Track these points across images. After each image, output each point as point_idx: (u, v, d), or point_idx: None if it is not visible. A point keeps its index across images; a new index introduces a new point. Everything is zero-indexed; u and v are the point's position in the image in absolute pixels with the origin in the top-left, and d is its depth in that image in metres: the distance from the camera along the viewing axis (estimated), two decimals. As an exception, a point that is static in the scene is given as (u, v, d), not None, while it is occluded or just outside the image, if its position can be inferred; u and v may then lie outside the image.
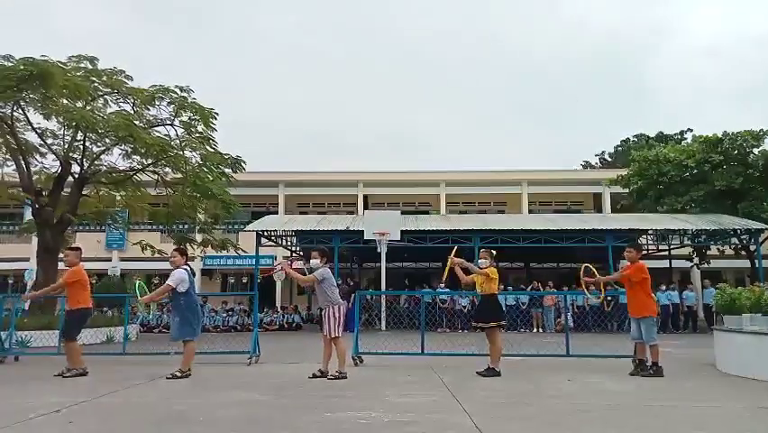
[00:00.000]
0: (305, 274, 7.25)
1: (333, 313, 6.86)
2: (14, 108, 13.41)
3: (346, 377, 6.62)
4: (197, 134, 14.84)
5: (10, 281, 26.90)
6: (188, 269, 7.24)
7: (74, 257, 7.55)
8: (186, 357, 6.97)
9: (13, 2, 70.76)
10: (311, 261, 7.11)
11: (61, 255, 14.48)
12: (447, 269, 7.44)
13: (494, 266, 7.38)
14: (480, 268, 7.34)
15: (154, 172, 15.30)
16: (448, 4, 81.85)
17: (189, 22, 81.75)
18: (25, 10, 73.83)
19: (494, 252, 7.54)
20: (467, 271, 7.42)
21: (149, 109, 14.59)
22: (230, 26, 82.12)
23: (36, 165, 14.97)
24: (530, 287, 18.27)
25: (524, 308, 16.93)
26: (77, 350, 7.26)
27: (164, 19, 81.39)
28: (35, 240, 16.46)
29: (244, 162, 15.58)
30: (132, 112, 14.44)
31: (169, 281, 7.01)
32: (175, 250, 7.49)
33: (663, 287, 16.73)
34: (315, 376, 6.69)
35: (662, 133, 38.29)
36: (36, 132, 14.31)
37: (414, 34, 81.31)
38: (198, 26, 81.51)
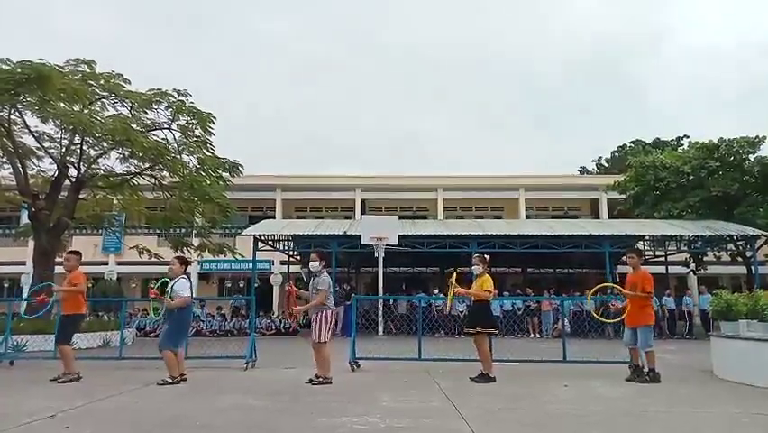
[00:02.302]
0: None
1: (327, 317, 6.78)
2: (11, 111, 13.38)
3: (331, 382, 6.60)
4: (195, 138, 14.83)
5: (5, 285, 26.79)
6: (187, 278, 7.15)
7: (75, 261, 7.55)
8: (167, 365, 6.74)
9: (13, 3, 70.79)
10: (311, 264, 7.02)
11: (59, 259, 14.51)
12: (450, 297, 7.36)
13: (487, 272, 7.33)
14: (474, 275, 7.28)
15: (151, 176, 15.27)
16: (447, 9, 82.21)
17: (189, 24, 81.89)
18: (24, 11, 73.86)
19: (487, 257, 7.45)
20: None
21: (146, 113, 14.57)
22: (229, 29, 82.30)
23: (33, 168, 14.95)
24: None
25: (520, 313, 16.94)
26: (71, 355, 7.24)
27: (162, 23, 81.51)
28: (32, 243, 16.40)
29: (242, 166, 15.56)
30: (130, 115, 14.41)
31: (185, 294, 6.86)
32: (176, 258, 7.32)
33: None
34: (311, 382, 6.67)
35: (658, 139, 38.45)
36: (33, 135, 14.28)
37: (412, 39, 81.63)
38: (198, 27, 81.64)
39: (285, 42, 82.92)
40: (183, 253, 15.25)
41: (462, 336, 7.70)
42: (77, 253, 7.73)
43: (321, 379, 6.62)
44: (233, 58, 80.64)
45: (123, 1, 75.59)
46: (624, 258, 17.18)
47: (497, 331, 7.55)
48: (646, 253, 20.76)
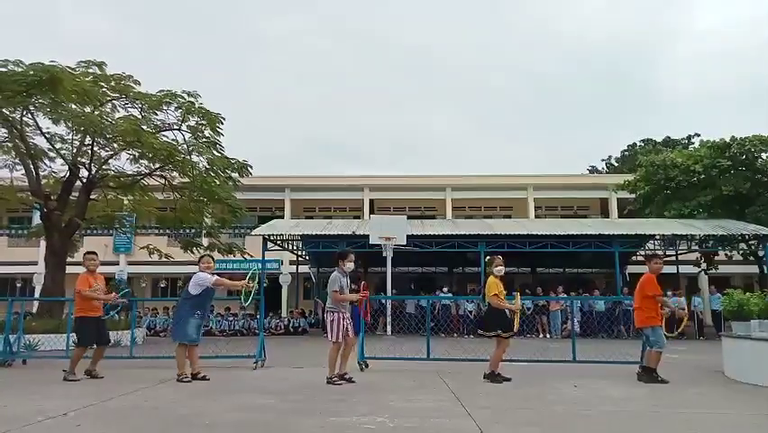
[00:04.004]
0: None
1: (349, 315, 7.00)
2: (24, 113, 13.55)
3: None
4: (204, 139, 14.92)
5: (18, 285, 27.09)
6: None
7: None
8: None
9: (18, 5, 71.53)
10: (348, 264, 6.91)
11: (70, 259, 14.64)
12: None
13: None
14: (495, 275, 7.09)
15: (161, 177, 15.39)
16: (452, 9, 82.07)
17: (194, 28, 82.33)
18: (31, 15, 74.61)
19: (500, 258, 7.41)
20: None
21: (156, 114, 14.69)
22: (235, 31, 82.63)
23: (45, 169, 15.13)
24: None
25: (529, 313, 16.87)
26: None
27: (167, 25, 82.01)
28: (44, 244, 16.58)
29: (251, 167, 15.64)
30: (140, 117, 14.54)
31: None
32: (209, 255, 7.85)
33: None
34: (349, 380, 6.69)
35: (669, 137, 38.19)
36: (45, 136, 14.44)
37: (418, 40, 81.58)
38: (203, 33, 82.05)
39: (287, 42, 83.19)
40: (192, 253, 15.43)
41: (471, 336, 7.62)
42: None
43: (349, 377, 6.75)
44: (235, 58, 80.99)
45: (124, 1, 76.14)
46: (642, 258, 17.05)
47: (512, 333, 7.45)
48: (657, 252, 20.66)
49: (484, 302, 7.39)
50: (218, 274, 7.55)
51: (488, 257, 7.40)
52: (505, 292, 7.09)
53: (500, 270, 7.11)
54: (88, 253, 7.85)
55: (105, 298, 7.67)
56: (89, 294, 7.31)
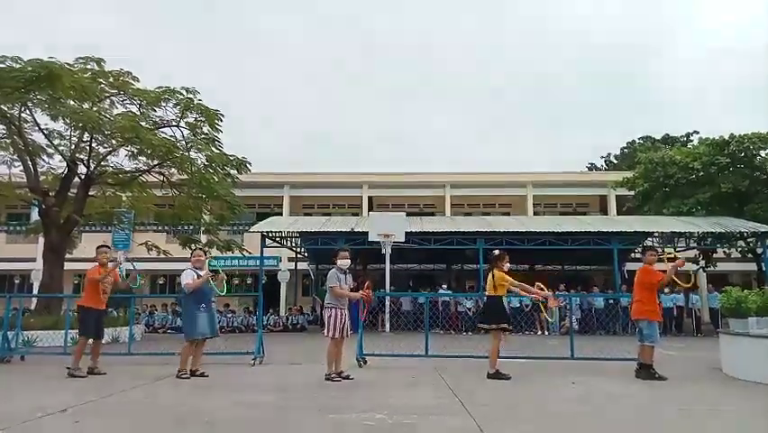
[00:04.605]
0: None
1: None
2: (22, 109, 13.51)
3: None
4: (203, 136, 14.89)
5: (16, 281, 27.05)
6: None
7: None
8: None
9: (18, 5, 71.21)
10: (341, 261, 6.95)
11: (68, 256, 14.62)
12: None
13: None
14: (503, 271, 7.17)
15: (160, 173, 15.36)
16: (452, 9, 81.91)
17: (194, 28, 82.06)
18: (31, 15, 74.29)
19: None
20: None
21: (155, 110, 14.65)
22: (234, 28, 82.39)
23: (43, 166, 15.10)
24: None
25: (527, 310, 16.86)
26: None
27: (168, 25, 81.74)
28: (42, 240, 16.54)
29: (249, 164, 15.61)
30: (139, 113, 14.50)
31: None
32: (201, 249, 7.76)
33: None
34: (347, 377, 6.71)
35: (668, 135, 38.16)
36: (43, 133, 14.41)
37: (418, 40, 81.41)
38: (203, 32, 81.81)
39: (287, 42, 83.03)
40: (191, 249, 15.41)
41: (469, 332, 7.64)
42: None
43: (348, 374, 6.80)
44: (235, 58, 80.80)
45: (124, 1, 75.85)
46: (639, 255, 17.00)
47: (507, 326, 7.46)
48: (652, 246, 20.64)
49: (483, 295, 7.44)
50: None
51: (497, 251, 7.36)
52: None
53: (507, 267, 7.23)
54: (101, 246, 7.85)
55: (123, 284, 7.97)
56: (101, 277, 7.44)
